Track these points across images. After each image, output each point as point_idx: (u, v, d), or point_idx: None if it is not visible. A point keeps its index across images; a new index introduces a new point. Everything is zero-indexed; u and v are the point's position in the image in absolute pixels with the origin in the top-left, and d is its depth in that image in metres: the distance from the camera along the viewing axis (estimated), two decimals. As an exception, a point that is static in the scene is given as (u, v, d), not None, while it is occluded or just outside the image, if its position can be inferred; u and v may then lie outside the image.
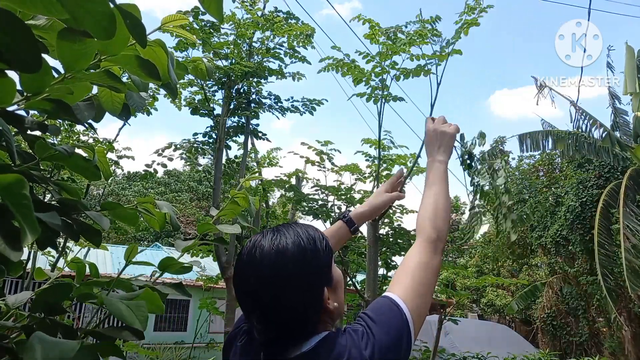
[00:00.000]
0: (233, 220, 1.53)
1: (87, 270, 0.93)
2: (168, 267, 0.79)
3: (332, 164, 3.33)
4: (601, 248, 8.92)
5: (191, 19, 2.70)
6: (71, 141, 2.90)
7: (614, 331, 11.15)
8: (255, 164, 4.11)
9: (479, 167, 1.39)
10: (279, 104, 2.90)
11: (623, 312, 10.44)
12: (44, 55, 0.55)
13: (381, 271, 3.53)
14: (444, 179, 1.22)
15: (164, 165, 2.56)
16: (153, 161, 2.55)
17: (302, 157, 3.47)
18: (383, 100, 3.11)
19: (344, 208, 3.46)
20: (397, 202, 3.63)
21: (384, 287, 3.56)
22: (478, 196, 1.36)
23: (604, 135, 9.46)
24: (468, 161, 1.38)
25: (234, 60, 2.67)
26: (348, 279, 3.37)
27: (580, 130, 9.82)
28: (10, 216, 0.57)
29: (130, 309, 0.61)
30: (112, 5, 0.50)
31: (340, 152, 3.38)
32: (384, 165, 3.48)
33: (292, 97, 2.94)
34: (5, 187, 0.43)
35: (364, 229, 3.35)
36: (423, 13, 2.69)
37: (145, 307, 0.64)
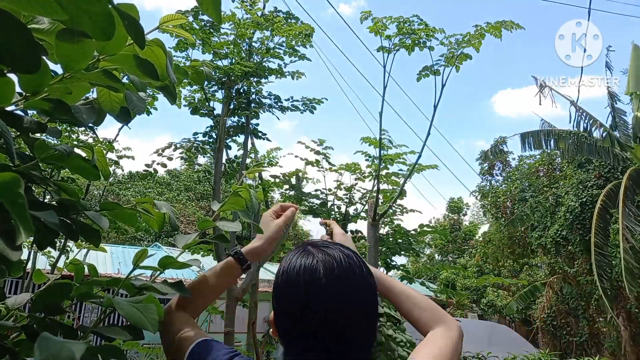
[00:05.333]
0: (234, 216, 1.51)
1: (86, 271, 0.93)
2: (168, 266, 0.79)
3: (330, 163, 3.32)
4: (597, 249, 8.93)
5: (191, 18, 2.69)
6: (70, 141, 2.90)
7: (611, 331, 11.14)
8: (255, 164, 4.12)
9: None
10: (279, 104, 2.90)
11: (621, 312, 10.43)
12: (44, 57, 0.55)
13: (381, 271, 3.53)
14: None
15: (164, 165, 2.56)
16: (153, 161, 2.55)
17: (301, 159, 3.47)
18: (383, 101, 3.11)
19: (343, 208, 3.46)
20: (397, 202, 3.63)
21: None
22: None
23: (604, 135, 9.46)
24: None
25: (233, 60, 2.67)
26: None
27: (580, 130, 9.82)
28: (9, 216, 0.57)
29: (140, 312, 0.62)
30: (110, 6, 0.50)
31: (333, 149, 3.38)
32: (383, 164, 3.48)
33: (292, 97, 2.94)
34: (0, 186, 0.43)
35: (364, 229, 3.34)
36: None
37: (155, 310, 0.64)
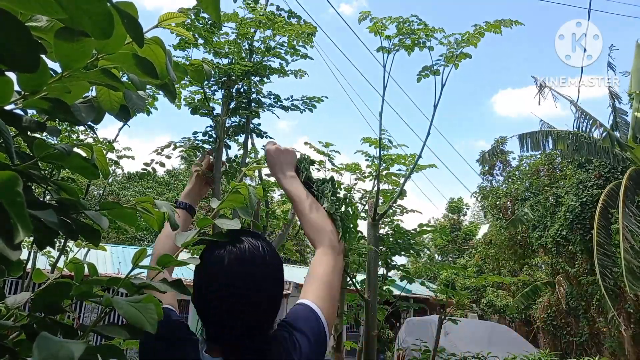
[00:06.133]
0: (233, 214, 1.53)
1: (86, 270, 0.93)
2: (167, 264, 0.79)
3: (333, 164, 3.31)
4: (600, 247, 8.92)
5: (193, 15, 2.68)
6: (70, 141, 2.90)
7: (613, 331, 11.14)
8: (255, 164, 4.09)
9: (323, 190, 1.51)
10: (279, 103, 2.88)
11: (622, 312, 10.43)
12: (42, 56, 0.55)
13: (381, 271, 3.53)
14: (305, 189, 1.33)
15: (162, 164, 2.54)
16: (152, 160, 2.53)
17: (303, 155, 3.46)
18: (383, 101, 3.11)
19: (343, 207, 3.45)
20: (398, 202, 3.63)
21: (384, 287, 3.57)
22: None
23: (604, 135, 9.46)
24: (307, 187, 1.46)
25: (233, 60, 2.66)
26: (348, 279, 3.37)
27: (580, 130, 9.82)
28: (8, 215, 0.56)
29: (139, 312, 0.62)
30: (109, 4, 0.50)
31: (339, 153, 3.37)
32: (384, 164, 3.48)
33: (291, 96, 2.93)
34: (-1, 185, 0.43)
35: (364, 229, 3.34)
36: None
37: (154, 310, 0.64)
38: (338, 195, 1.48)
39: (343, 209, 1.40)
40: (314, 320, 0.98)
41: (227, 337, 0.92)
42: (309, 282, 1.07)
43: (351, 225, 1.43)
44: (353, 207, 1.52)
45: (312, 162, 1.57)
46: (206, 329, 0.96)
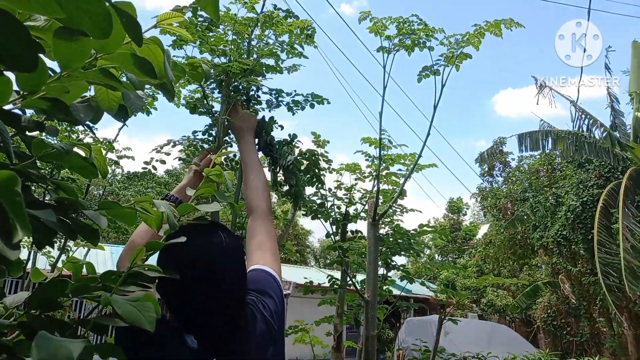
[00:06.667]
0: (212, 199, 1.58)
1: (85, 270, 0.93)
2: (154, 247, 0.79)
3: (327, 161, 3.23)
4: (601, 246, 8.91)
5: (189, 14, 2.67)
6: (70, 140, 2.90)
7: (614, 331, 11.14)
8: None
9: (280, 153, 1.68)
10: (280, 99, 2.85)
11: (624, 312, 10.42)
12: (41, 55, 0.55)
13: (381, 271, 3.53)
14: (257, 156, 1.48)
15: (163, 162, 2.53)
16: (152, 158, 2.52)
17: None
18: (383, 101, 3.11)
19: (343, 208, 3.46)
20: (398, 202, 3.63)
21: (384, 287, 3.57)
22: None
23: (604, 135, 9.45)
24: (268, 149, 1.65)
25: (231, 58, 2.66)
26: (348, 278, 3.37)
27: (580, 130, 9.81)
28: (7, 215, 0.56)
29: (137, 310, 0.62)
30: (107, 4, 0.50)
31: (328, 142, 3.30)
32: (383, 164, 3.48)
33: (295, 91, 2.88)
34: (-3, 184, 0.43)
35: (364, 229, 3.34)
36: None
37: (152, 308, 0.64)
38: (295, 156, 1.65)
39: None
40: (273, 282, 1.11)
41: (204, 320, 0.96)
42: (257, 249, 1.19)
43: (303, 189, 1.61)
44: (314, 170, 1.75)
45: (271, 125, 1.70)
46: (178, 313, 0.98)
